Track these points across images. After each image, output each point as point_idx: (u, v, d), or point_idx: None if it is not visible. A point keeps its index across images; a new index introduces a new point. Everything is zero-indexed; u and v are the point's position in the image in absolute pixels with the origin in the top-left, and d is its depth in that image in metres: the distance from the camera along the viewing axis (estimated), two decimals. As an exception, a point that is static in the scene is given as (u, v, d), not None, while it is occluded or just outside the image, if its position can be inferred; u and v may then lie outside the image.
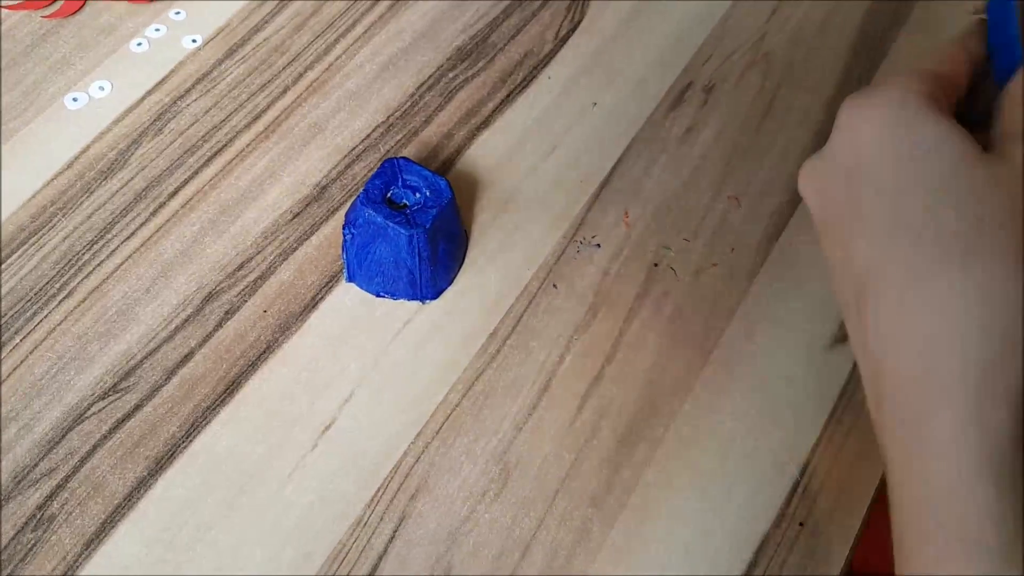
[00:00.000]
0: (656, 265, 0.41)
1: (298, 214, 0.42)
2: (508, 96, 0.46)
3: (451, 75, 0.47)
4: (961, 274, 0.26)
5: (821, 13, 0.50)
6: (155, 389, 0.37)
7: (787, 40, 0.49)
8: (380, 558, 0.34)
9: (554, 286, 0.41)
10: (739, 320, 0.40)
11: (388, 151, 0.44)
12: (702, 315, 0.40)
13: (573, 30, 0.48)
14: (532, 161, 0.44)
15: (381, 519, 0.35)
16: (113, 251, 0.40)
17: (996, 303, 0.26)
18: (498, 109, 0.46)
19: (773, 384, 0.39)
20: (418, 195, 0.38)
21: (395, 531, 0.35)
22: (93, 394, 0.37)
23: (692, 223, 0.43)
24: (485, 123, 0.45)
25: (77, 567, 0.33)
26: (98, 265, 0.40)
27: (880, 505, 0.38)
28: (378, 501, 0.35)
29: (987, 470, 0.26)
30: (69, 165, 0.43)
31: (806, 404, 0.38)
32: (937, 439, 0.26)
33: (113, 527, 0.34)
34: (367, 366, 0.38)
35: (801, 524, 0.36)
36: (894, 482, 0.29)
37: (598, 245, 0.42)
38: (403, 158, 0.39)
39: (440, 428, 0.37)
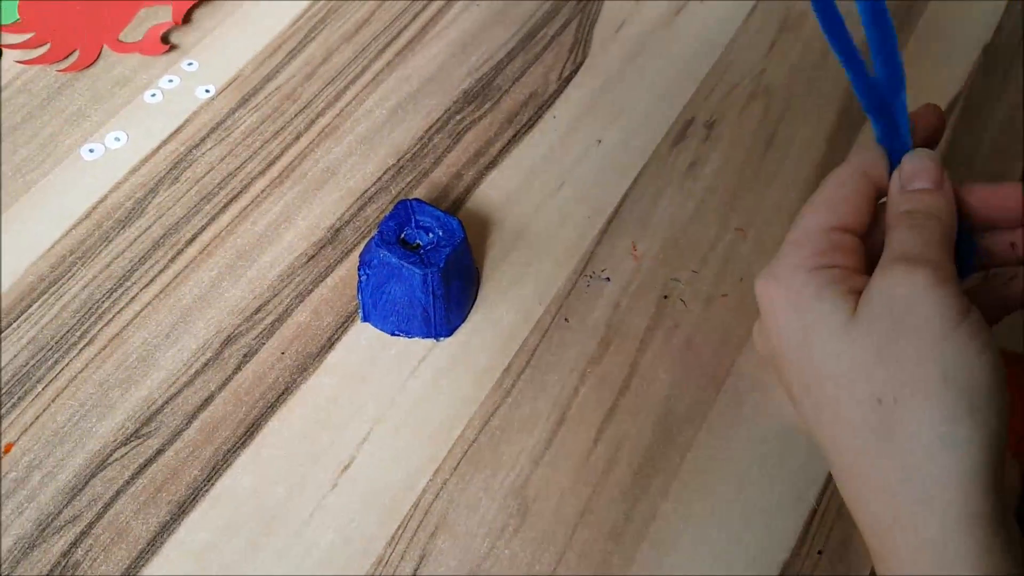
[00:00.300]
0: (666, 297, 0.42)
1: (313, 256, 0.43)
2: (515, 136, 0.47)
3: (458, 117, 0.48)
4: (884, 460, 0.28)
5: (821, 44, 0.51)
6: (176, 434, 0.38)
7: (787, 73, 0.50)
8: (402, 596, 0.35)
9: (566, 320, 0.41)
10: (750, 349, 0.41)
11: (399, 193, 0.45)
12: (713, 345, 0.41)
13: (576, 71, 0.50)
14: (540, 198, 0.45)
15: (402, 557, 0.35)
16: (133, 298, 0.41)
17: (923, 480, 0.27)
18: (505, 149, 0.47)
19: (787, 412, 0.39)
20: (431, 235, 0.39)
21: (416, 569, 0.35)
22: (115, 440, 0.37)
23: (700, 254, 0.43)
24: (493, 163, 0.46)
25: (102, 613, 0.34)
26: (118, 312, 0.41)
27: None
28: (398, 539, 0.36)
29: None
30: (87, 215, 0.44)
31: (820, 431, 0.39)
32: None
33: (137, 572, 0.35)
34: (384, 404, 0.39)
35: (820, 552, 0.36)
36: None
37: (608, 278, 0.43)
38: (416, 199, 0.40)
39: (458, 464, 0.37)
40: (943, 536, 0.26)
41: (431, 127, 0.47)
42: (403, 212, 0.39)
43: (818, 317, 0.30)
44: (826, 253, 0.31)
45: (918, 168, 0.32)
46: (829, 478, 0.38)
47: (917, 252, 0.29)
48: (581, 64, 0.50)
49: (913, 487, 0.26)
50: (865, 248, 0.32)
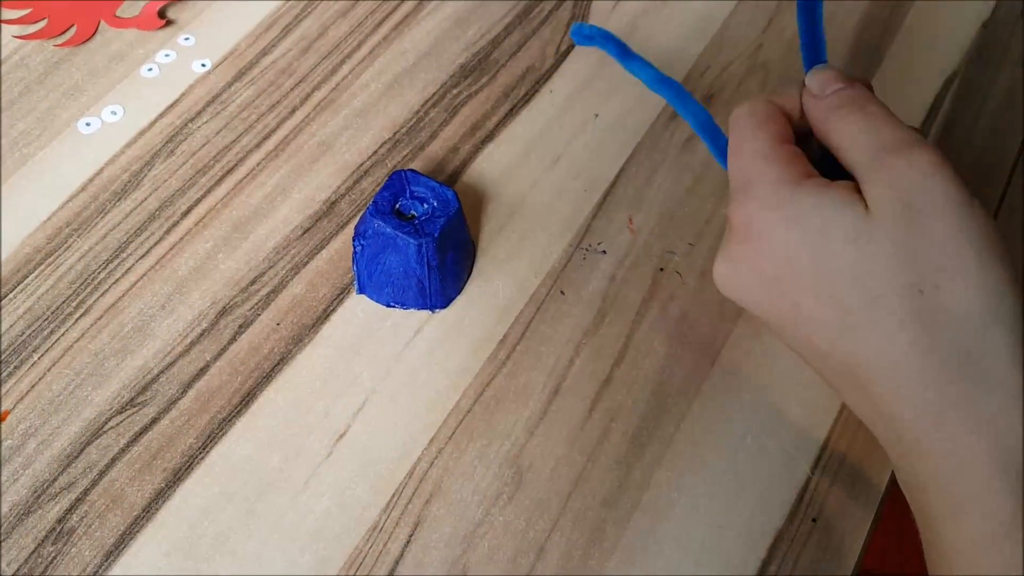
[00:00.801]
0: (662, 270, 0.42)
1: (308, 229, 0.43)
2: (511, 110, 0.47)
3: (455, 91, 0.48)
4: (933, 351, 0.27)
5: (815, 22, 0.51)
6: (172, 402, 0.38)
7: (784, 49, 0.50)
8: (396, 562, 0.35)
9: (562, 292, 0.41)
10: (745, 321, 0.41)
11: (395, 166, 0.45)
12: (708, 317, 0.41)
13: (573, 45, 0.50)
14: (537, 172, 0.45)
15: (397, 524, 0.35)
16: (128, 269, 0.41)
17: (981, 360, 0.26)
18: (502, 123, 0.47)
19: (781, 382, 0.39)
20: (426, 206, 0.39)
21: (411, 535, 0.35)
22: (111, 409, 0.38)
23: (696, 228, 0.43)
24: (489, 136, 0.46)
25: (97, 578, 0.34)
26: (114, 283, 0.41)
27: (892, 500, 0.38)
28: (393, 506, 0.36)
29: (1017, 521, 0.26)
30: (83, 187, 0.44)
31: (815, 401, 0.39)
32: (965, 501, 0.27)
33: (132, 538, 0.35)
34: (379, 375, 0.39)
35: (814, 520, 0.36)
36: (926, 534, 0.29)
37: (604, 251, 0.43)
38: (411, 170, 0.40)
39: (453, 433, 0.37)
40: (1003, 410, 0.26)
41: (427, 101, 0.47)
42: (398, 182, 0.39)
43: (828, 224, 0.28)
44: (796, 163, 0.30)
45: (827, 76, 0.32)
46: (824, 447, 0.38)
47: (898, 137, 0.29)
48: (578, 40, 0.50)
49: (969, 367, 0.26)
50: None
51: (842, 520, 0.36)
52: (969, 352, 0.26)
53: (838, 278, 0.29)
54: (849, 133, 0.30)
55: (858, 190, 0.29)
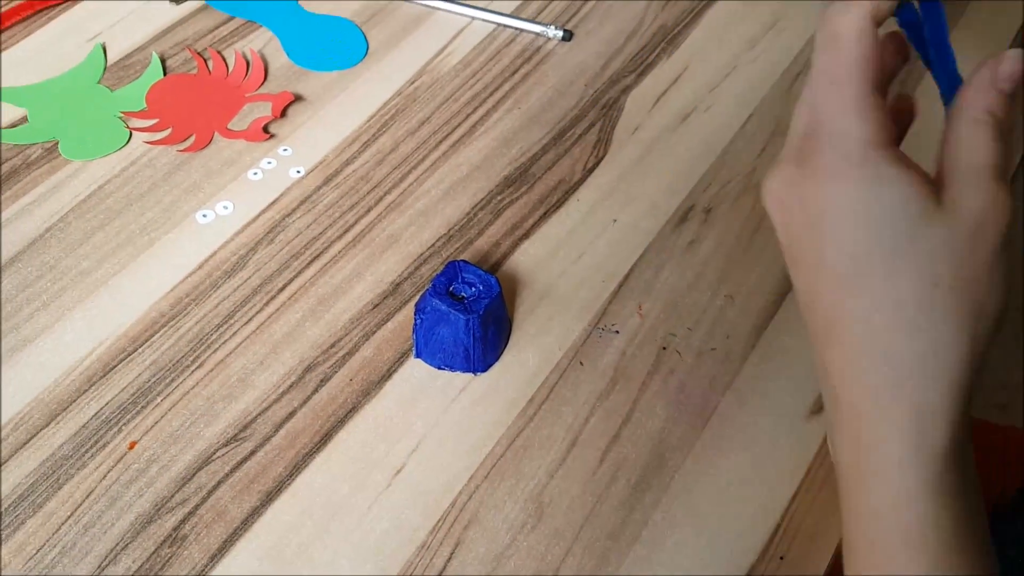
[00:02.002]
0: (664, 348, 0.51)
1: (377, 304, 0.53)
2: (545, 214, 0.57)
3: (499, 198, 0.58)
4: (911, 339, 0.30)
5: (802, 149, 0.61)
6: (266, 439, 0.47)
7: (774, 170, 0.60)
8: (440, 575, 0.43)
9: (581, 363, 0.50)
10: (732, 394, 0.49)
11: (449, 256, 0.55)
12: (702, 389, 0.50)
13: (597, 164, 0.60)
14: (564, 265, 0.55)
15: (441, 544, 0.44)
16: (234, 333, 0.51)
17: (940, 359, 0.30)
18: (537, 224, 0.57)
19: (760, 446, 0.48)
20: (473, 289, 0.49)
21: (452, 553, 0.44)
22: (218, 442, 0.47)
23: (694, 316, 0.53)
24: (526, 235, 0.56)
25: None
26: (223, 343, 0.51)
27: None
28: (439, 529, 0.44)
29: (925, 489, 0.31)
30: (200, 267, 0.54)
31: (787, 462, 0.47)
32: (885, 465, 0.32)
33: (232, 545, 0.44)
34: (430, 424, 0.48)
35: (781, 558, 0.44)
36: (846, 492, 0.34)
37: (617, 331, 0.52)
38: (463, 260, 0.50)
39: (488, 474, 0.46)
40: (937, 407, 0.31)
41: (476, 205, 0.58)
42: (452, 270, 0.49)
43: (898, 201, 0.31)
44: (885, 126, 0.32)
45: (1017, 71, 0.32)
46: (792, 499, 0.46)
47: (1003, 170, 0.31)
48: (602, 158, 0.60)
49: (935, 359, 0.31)
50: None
51: (804, 560, 0.44)
52: (941, 343, 0.31)
53: (878, 247, 0.31)
54: (975, 142, 0.32)
55: (929, 181, 0.32)
